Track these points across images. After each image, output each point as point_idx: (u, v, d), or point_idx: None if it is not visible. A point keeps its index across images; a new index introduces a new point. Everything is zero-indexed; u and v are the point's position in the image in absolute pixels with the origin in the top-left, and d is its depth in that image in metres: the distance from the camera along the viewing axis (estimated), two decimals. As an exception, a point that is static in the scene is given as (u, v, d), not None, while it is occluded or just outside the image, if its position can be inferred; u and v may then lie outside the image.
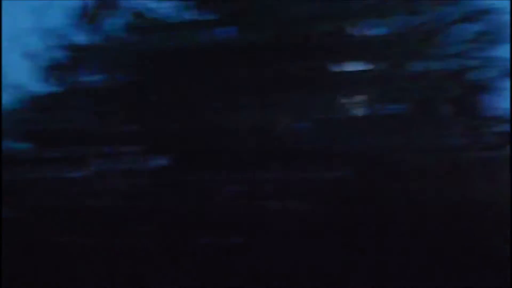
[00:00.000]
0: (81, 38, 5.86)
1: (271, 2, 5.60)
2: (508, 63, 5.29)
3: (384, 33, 5.59)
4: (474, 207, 5.01)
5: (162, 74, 5.72)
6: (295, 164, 5.30)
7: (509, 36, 5.30)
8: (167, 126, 5.54)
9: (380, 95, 5.47)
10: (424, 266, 4.95)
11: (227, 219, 5.29)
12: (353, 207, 5.08)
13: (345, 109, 5.48)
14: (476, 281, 4.85)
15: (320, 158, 5.28)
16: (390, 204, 5.07)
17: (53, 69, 5.83)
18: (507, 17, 5.32)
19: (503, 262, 4.90)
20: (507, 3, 5.28)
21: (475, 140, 5.34)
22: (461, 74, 5.46)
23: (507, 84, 5.31)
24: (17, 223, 5.47)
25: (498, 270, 4.88)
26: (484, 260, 4.93)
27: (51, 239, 5.38)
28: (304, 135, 5.40)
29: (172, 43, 5.72)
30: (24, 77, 5.75)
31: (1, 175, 5.55)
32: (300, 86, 5.43)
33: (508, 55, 5.28)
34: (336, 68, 5.55)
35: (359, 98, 5.46)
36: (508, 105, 5.26)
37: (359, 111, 5.46)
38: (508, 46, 5.30)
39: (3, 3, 5.90)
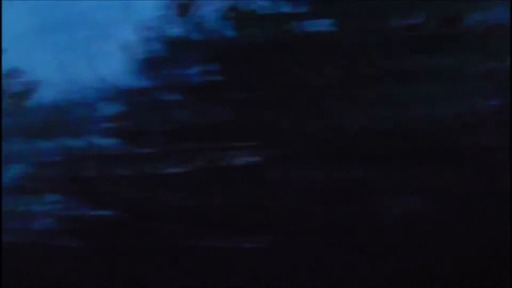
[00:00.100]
0: (175, 30, 5.74)
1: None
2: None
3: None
4: None
5: (261, 67, 5.56)
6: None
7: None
8: (273, 121, 5.36)
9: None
10: None
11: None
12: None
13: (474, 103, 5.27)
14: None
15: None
16: None
17: (147, 63, 5.71)
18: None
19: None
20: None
21: None
22: None
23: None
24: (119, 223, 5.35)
25: None
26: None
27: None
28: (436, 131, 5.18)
29: (269, 35, 5.59)
30: (117, 71, 5.66)
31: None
32: (422, 79, 5.25)
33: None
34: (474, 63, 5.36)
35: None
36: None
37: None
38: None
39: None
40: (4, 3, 5.90)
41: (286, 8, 5.68)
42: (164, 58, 5.69)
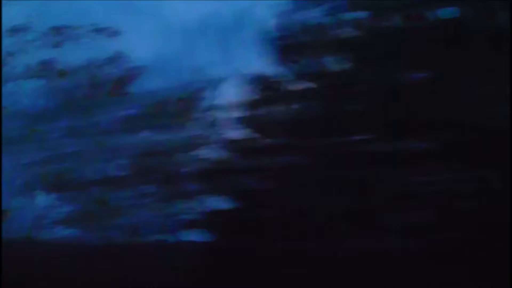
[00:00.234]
0: (309, 16, 5.46)
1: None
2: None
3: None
4: None
5: (400, 54, 5.25)
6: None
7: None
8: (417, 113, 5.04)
9: None
10: None
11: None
12: None
13: None
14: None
15: None
16: None
17: (280, 51, 5.43)
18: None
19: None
20: None
21: None
22: None
23: None
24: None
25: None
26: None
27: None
28: None
29: (405, 22, 5.27)
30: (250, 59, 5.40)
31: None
32: None
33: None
34: None
35: None
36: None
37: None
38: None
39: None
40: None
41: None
42: (299, 45, 5.41)
